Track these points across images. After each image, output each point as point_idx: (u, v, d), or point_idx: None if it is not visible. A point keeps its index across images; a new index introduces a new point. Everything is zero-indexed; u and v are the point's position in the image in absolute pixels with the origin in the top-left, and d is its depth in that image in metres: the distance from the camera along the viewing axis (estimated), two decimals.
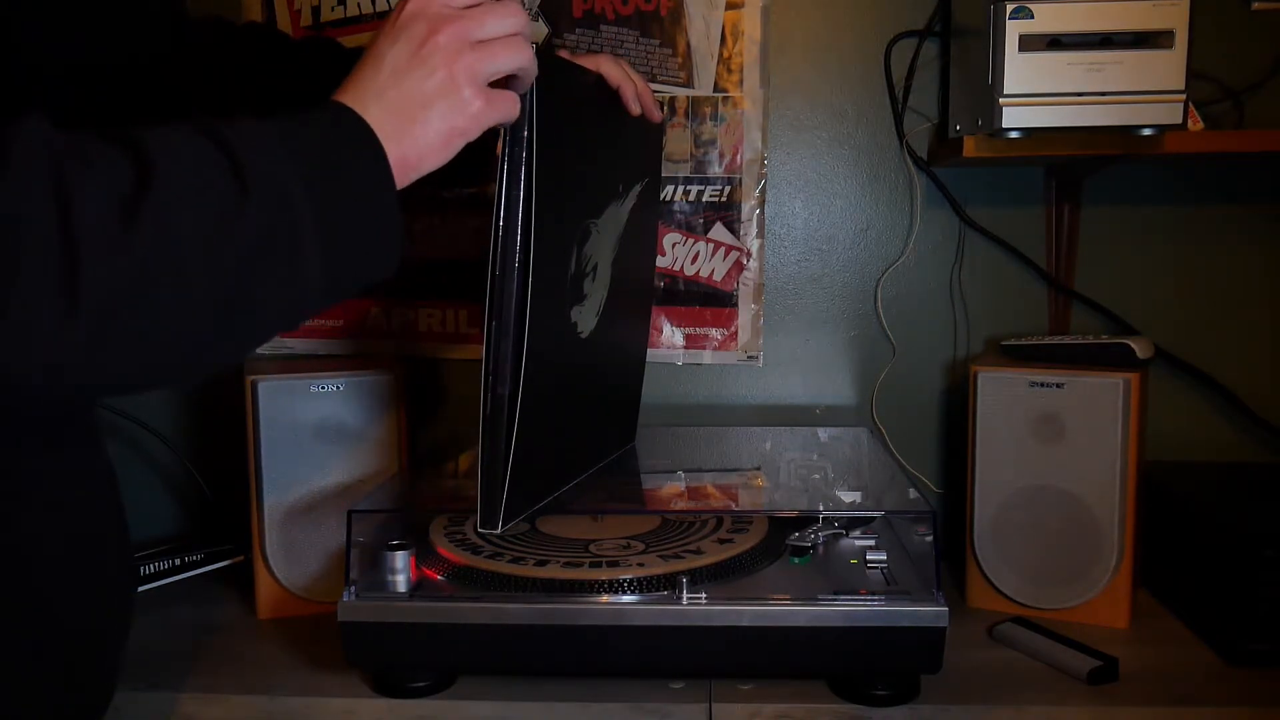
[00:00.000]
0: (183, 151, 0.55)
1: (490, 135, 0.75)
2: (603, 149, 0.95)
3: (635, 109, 0.96)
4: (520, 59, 0.70)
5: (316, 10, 1.32)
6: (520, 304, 0.78)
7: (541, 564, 0.94)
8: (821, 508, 1.00)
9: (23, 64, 0.75)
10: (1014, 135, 1.04)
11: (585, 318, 0.92)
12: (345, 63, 0.96)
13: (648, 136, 1.07)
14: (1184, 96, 1.01)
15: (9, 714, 0.68)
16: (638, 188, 1.03)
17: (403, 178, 0.64)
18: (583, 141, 0.89)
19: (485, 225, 0.78)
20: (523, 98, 0.74)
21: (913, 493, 1.01)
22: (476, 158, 0.76)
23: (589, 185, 0.91)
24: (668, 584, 0.91)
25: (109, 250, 0.51)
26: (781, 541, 1.01)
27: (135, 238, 0.51)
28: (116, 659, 0.80)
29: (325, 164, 0.60)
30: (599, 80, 0.93)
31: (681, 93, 1.29)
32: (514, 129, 0.75)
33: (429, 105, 0.65)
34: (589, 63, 0.93)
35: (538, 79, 0.74)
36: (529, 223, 0.76)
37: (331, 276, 0.60)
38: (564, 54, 0.96)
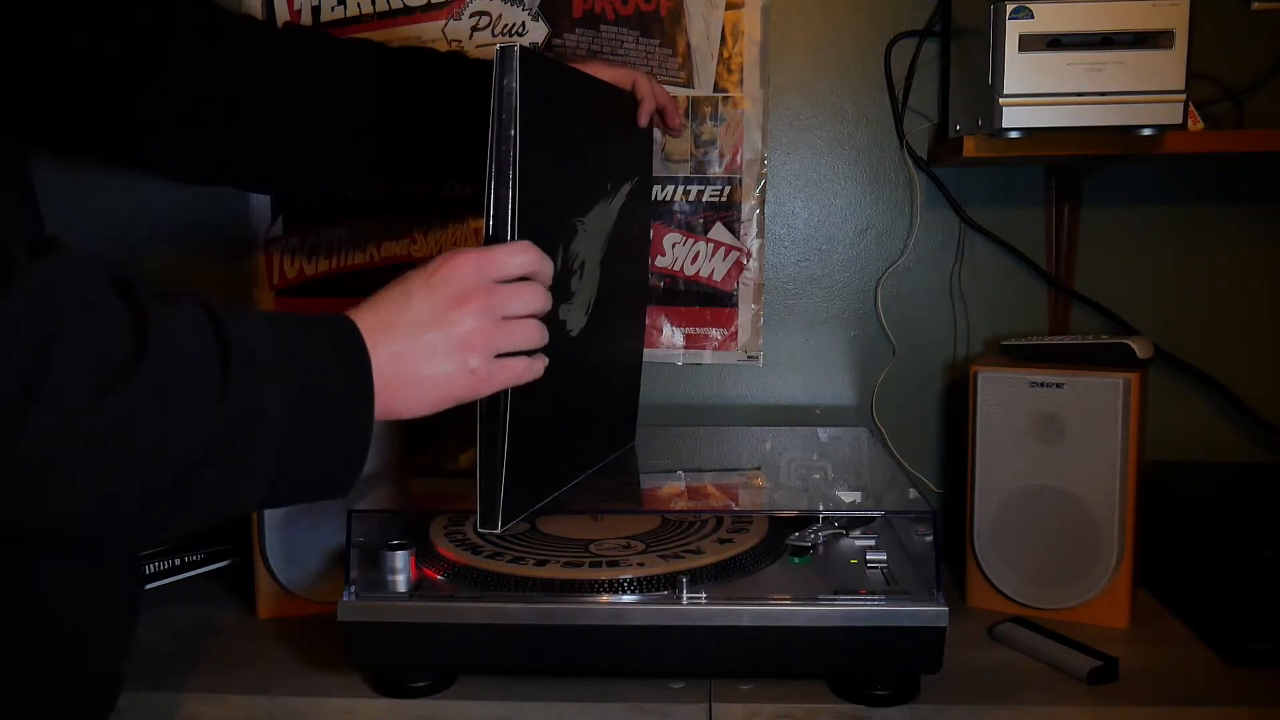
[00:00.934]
0: (181, 343, 0.56)
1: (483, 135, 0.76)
2: (590, 148, 0.95)
3: (644, 123, 1.00)
4: (534, 342, 0.74)
5: (317, 10, 1.32)
6: None
7: (541, 564, 0.94)
8: (821, 508, 1.00)
9: (23, 64, 0.75)
10: (1014, 135, 1.04)
11: (574, 316, 0.92)
12: (389, 67, 0.97)
13: (638, 136, 1.08)
14: (1184, 96, 1.01)
15: (11, 714, 0.68)
16: (627, 186, 1.03)
17: (381, 417, 0.67)
18: (569, 141, 0.89)
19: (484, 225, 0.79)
20: (509, 97, 0.75)
21: (913, 493, 1.01)
22: (479, 158, 0.76)
23: (575, 184, 0.91)
24: (668, 584, 0.91)
25: (66, 415, 0.52)
26: (781, 541, 1.01)
27: (98, 412, 0.53)
28: (120, 661, 0.80)
29: (310, 394, 0.62)
30: (591, 80, 0.94)
31: (681, 93, 1.29)
32: (500, 128, 0.76)
33: (435, 366, 0.68)
34: (625, 77, 0.98)
35: (522, 81, 0.75)
36: (515, 221, 0.76)
37: (271, 496, 0.63)
38: (602, 64, 1.01)
